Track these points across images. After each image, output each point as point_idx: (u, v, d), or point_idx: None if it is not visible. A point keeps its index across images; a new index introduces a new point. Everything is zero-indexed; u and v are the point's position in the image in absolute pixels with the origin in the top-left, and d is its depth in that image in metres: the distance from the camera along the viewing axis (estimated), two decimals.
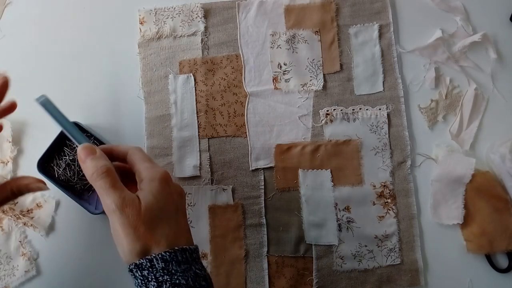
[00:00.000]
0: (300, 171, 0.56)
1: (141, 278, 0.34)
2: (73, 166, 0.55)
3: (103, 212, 0.54)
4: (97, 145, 0.55)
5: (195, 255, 0.37)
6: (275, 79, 0.58)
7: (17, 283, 0.55)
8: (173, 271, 0.34)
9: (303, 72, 0.58)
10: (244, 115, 0.58)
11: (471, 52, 0.59)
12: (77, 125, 0.56)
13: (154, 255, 0.34)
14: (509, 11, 0.59)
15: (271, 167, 0.57)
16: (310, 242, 0.55)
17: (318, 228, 0.55)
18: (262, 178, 0.57)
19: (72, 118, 0.56)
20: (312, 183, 0.56)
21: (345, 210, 0.55)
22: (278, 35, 0.59)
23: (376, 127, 0.57)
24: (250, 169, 0.57)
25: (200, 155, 0.57)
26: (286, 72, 0.59)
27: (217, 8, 0.60)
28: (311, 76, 0.58)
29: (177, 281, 0.33)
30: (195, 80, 0.59)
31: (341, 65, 0.59)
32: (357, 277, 0.54)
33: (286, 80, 0.58)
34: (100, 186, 0.36)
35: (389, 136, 0.57)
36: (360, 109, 0.57)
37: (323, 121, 0.57)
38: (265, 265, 0.55)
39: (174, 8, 0.60)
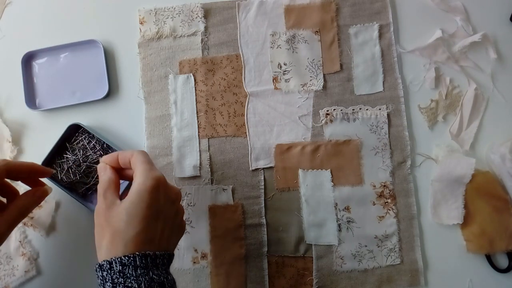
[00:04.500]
0: (300, 171, 0.56)
1: (101, 278, 0.37)
2: (74, 168, 0.55)
3: None
4: (99, 146, 0.56)
5: (160, 261, 0.38)
6: (275, 79, 0.58)
7: (17, 283, 0.55)
8: (128, 274, 0.36)
9: (303, 72, 0.58)
10: (244, 115, 0.58)
11: (471, 52, 0.59)
12: (79, 125, 0.56)
13: (113, 258, 0.36)
14: (509, 11, 0.59)
15: (271, 167, 0.57)
16: (310, 242, 0.55)
17: (318, 228, 0.55)
18: (262, 178, 0.57)
19: (73, 119, 0.57)
20: (312, 183, 0.56)
21: (345, 210, 0.55)
22: (278, 35, 0.59)
23: (376, 127, 0.57)
24: (250, 169, 0.57)
25: (200, 155, 0.57)
26: (286, 72, 0.59)
27: (217, 8, 0.60)
28: (311, 76, 0.58)
29: (130, 284, 0.36)
30: (195, 80, 0.59)
31: (341, 65, 0.59)
32: (357, 277, 0.54)
33: (286, 80, 0.58)
34: (98, 194, 0.43)
35: (389, 136, 0.57)
36: (360, 109, 0.57)
37: (323, 121, 0.57)
38: (265, 265, 0.55)
39: (174, 8, 0.60)
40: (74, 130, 0.56)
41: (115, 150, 0.55)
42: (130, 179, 0.45)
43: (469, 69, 0.59)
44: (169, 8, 0.60)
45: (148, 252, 0.38)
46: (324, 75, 0.58)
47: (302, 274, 0.54)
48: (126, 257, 0.36)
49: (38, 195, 0.48)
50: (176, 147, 0.57)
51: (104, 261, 0.37)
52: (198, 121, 0.58)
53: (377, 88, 0.58)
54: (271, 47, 0.59)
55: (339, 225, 0.55)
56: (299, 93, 0.58)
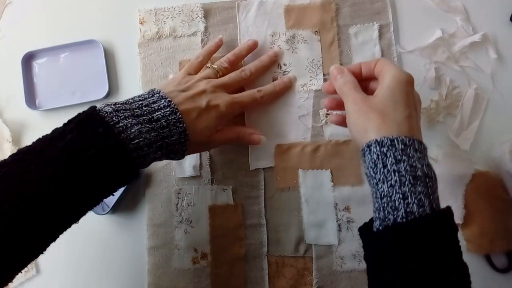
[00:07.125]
0: (300, 171, 0.56)
1: (379, 153, 0.38)
2: None
3: (108, 213, 0.54)
4: None
5: (426, 152, 0.39)
6: (275, 79, 0.58)
7: (17, 283, 0.55)
8: (410, 154, 0.37)
9: (303, 72, 0.58)
10: (244, 115, 0.58)
11: (471, 52, 0.59)
12: None
13: (395, 136, 0.38)
14: (509, 11, 0.59)
15: (271, 167, 0.57)
16: (310, 242, 0.55)
17: (318, 228, 0.55)
18: (262, 178, 0.57)
19: None
20: (312, 183, 0.56)
21: (345, 210, 0.55)
22: (278, 35, 0.59)
23: None
24: (250, 169, 0.57)
25: (200, 155, 0.57)
26: (286, 72, 0.59)
27: (217, 8, 0.60)
28: (311, 76, 0.58)
29: (414, 164, 0.37)
30: None
31: (341, 65, 0.59)
32: (357, 277, 0.54)
33: None
34: (345, 92, 0.45)
35: None
36: None
37: (323, 121, 0.57)
38: (265, 265, 0.55)
39: (174, 8, 0.60)
40: None
41: None
42: (368, 92, 0.46)
43: (469, 69, 0.59)
44: (169, 8, 0.60)
45: (421, 141, 0.39)
46: (324, 75, 0.58)
47: (302, 274, 0.55)
48: (407, 138, 0.37)
49: (252, 138, 0.53)
50: None
51: (384, 137, 0.38)
52: None
53: None
54: (271, 47, 0.59)
55: (339, 225, 0.55)
56: (299, 93, 0.58)
